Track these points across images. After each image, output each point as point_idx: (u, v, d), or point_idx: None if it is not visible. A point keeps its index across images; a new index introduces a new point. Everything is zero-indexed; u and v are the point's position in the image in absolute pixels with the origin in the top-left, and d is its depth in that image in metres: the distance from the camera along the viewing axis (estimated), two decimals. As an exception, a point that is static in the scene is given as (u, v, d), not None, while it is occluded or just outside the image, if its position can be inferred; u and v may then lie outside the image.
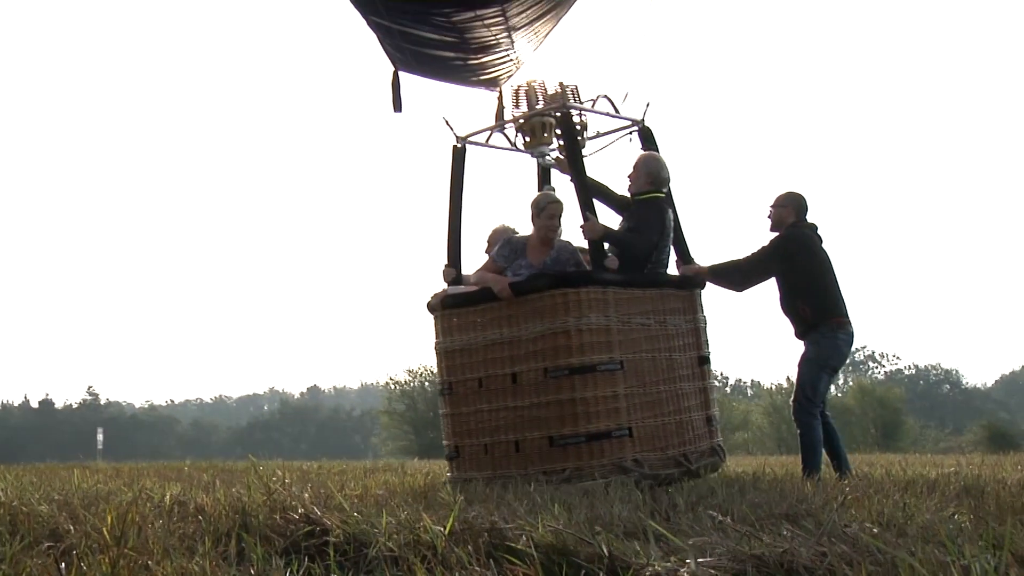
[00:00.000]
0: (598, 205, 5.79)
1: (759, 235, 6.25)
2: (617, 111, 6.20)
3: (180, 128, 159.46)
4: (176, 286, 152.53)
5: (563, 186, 6.07)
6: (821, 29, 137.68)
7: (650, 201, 5.79)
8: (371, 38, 5.86)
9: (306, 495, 3.59)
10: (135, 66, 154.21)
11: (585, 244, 5.68)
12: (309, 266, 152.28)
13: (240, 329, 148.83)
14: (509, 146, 6.33)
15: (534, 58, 6.45)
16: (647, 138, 6.21)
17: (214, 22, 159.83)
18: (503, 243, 5.84)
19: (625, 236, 5.67)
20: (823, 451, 6.08)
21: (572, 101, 5.97)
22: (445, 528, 2.72)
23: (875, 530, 2.72)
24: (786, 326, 6.23)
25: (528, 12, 5.88)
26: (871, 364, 77.56)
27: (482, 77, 6.30)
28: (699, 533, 2.76)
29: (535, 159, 6.35)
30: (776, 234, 6.16)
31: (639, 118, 6.23)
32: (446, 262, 6.12)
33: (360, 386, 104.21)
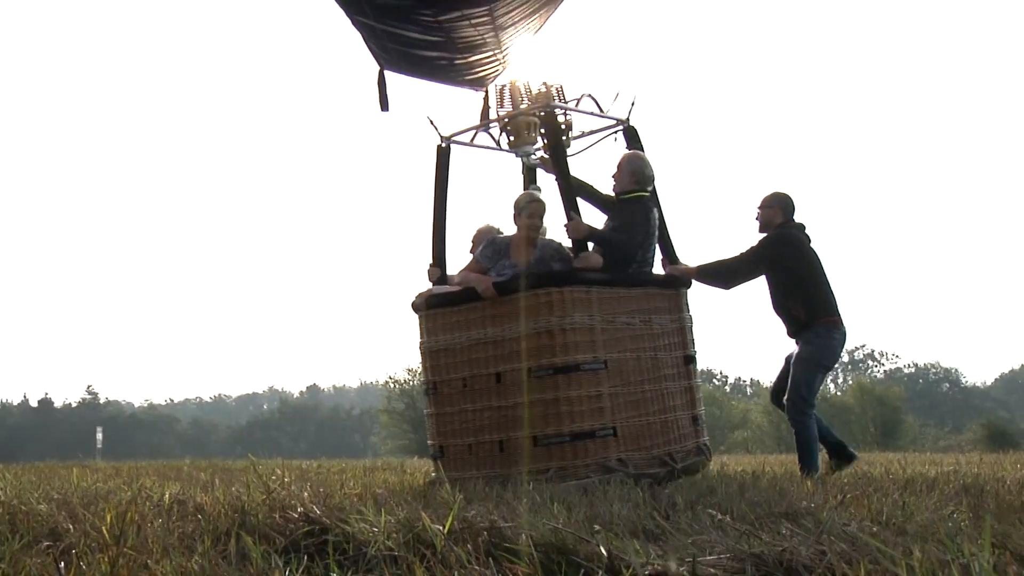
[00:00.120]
0: (584, 205, 5.79)
1: (746, 233, 6.31)
2: (601, 110, 6.20)
3: (177, 128, 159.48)
4: (175, 285, 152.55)
5: (549, 186, 6.07)
6: (810, 24, 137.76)
7: (635, 200, 5.79)
8: (356, 37, 5.85)
9: (305, 494, 3.59)
10: (131, 67, 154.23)
11: (570, 244, 5.69)
12: (308, 265, 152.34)
13: (239, 328, 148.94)
14: (494, 146, 6.32)
15: (520, 57, 6.45)
16: (632, 137, 6.20)
17: (199, 22, 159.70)
18: (486, 244, 5.84)
19: (610, 235, 5.66)
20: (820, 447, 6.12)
21: (556, 100, 5.96)
22: (444, 527, 2.72)
23: (874, 529, 2.72)
24: (781, 327, 6.25)
25: (515, 12, 5.87)
26: (870, 363, 77.67)
27: (468, 77, 6.30)
28: (698, 532, 2.76)
29: (520, 159, 6.34)
30: (765, 235, 6.19)
31: (624, 117, 6.24)
32: (431, 262, 6.14)
33: (360, 385, 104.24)
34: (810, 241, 6.20)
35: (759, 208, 6.26)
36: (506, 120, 6.11)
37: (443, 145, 6.24)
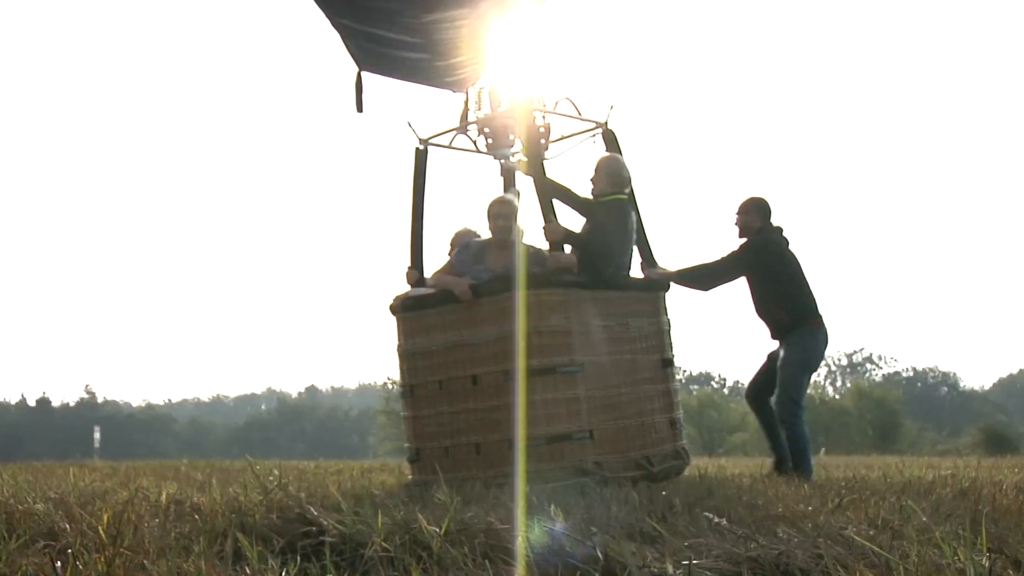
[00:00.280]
0: (561, 208, 5.80)
1: (724, 235, 6.37)
2: (580, 113, 6.21)
3: (174, 128, 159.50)
4: (174, 286, 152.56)
5: (529, 188, 6.08)
6: (793, 23, 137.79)
7: (612, 203, 5.81)
8: (335, 38, 5.84)
9: (303, 495, 3.59)
10: (130, 68, 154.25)
11: (547, 247, 5.69)
12: (307, 266, 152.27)
13: (238, 329, 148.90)
14: (472, 148, 6.32)
15: (502, 60, 6.45)
16: (610, 140, 6.22)
17: (174, 23, 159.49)
18: (461, 248, 5.85)
19: (587, 238, 5.67)
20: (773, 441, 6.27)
21: (534, 103, 5.98)
22: (441, 529, 2.72)
23: (871, 532, 2.72)
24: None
25: (498, 14, 5.85)
26: (869, 366, 77.66)
27: (448, 79, 6.29)
28: (695, 535, 2.76)
29: (498, 162, 6.34)
30: (745, 240, 6.25)
31: (602, 120, 6.25)
32: (410, 264, 6.15)
33: (358, 386, 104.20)
34: (788, 244, 6.27)
35: (737, 214, 6.32)
36: (483, 122, 6.12)
37: (421, 148, 6.25)
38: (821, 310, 6.22)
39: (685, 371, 71.21)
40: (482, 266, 5.67)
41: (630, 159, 6.03)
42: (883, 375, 76.17)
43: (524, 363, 5.18)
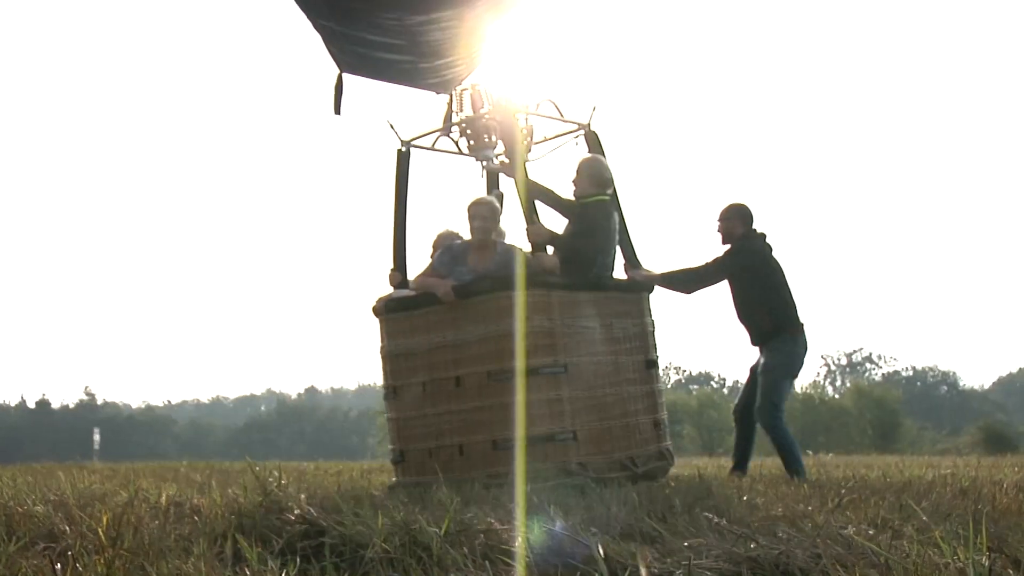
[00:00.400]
0: (544, 209, 5.80)
1: (707, 235, 6.41)
2: (562, 115, 6.22)
3: (173, 128, 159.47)
4: (173, 287, 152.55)
5: (511, 190, 6.08)
6: (778, 23, 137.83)
7: (595, 204, 5.82)
8: (316, 39, 5.83)
9: (303, 496, 3.59)
10: (131, 68, 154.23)
11: (530, 249, 5.69)
12: (307, 267, 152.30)
13: (237, 330, 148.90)
14: (454, 150, 6.32)
15: (486, 62, 6.46)
16: (593, 142, 6.22)
17: (152, 27, 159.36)
18: (443, 250, 5.85)
19: (570, 239, 5.68)
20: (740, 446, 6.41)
21: (517, 105, 5.98)
22: (441, 529, 2.72)
23: (871, 532, 2.72)
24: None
25: (484, 16, 5.85)
26: (868, 366, 77.65)
27: (432, 80, 6.29)
28: (695, 535, 2.77)
29: (480, 163, 6.34)
30: (729, 246, 6.29)
31: (585, 122, 6.25)
32: (392, 266, 6.14)
33: (357, 387, 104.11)
34: (772, 251, 6.32)
35: (719, 221, 6.35)
36: (465, 124, 6.11)
37: (403, 149, 6.25)
38: (803, 317, 6.27)
39: (685, 371, 71.33)
40: (464, 268, 5.68)
41: (613, 160, 6.06)
42: (883, 374, 76.18)
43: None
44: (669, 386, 66.02)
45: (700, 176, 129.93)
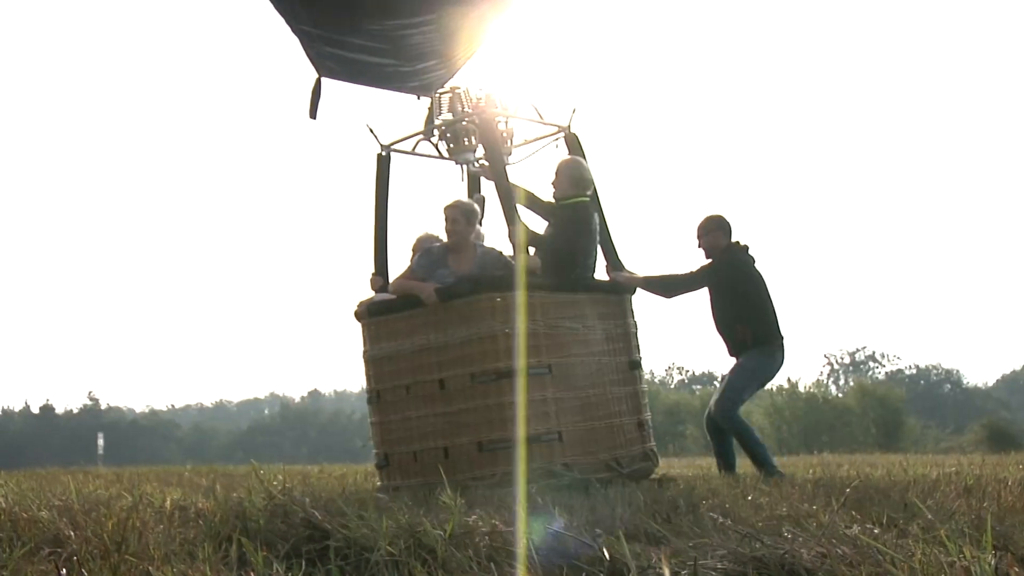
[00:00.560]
0: (525, 212, 5.81)
1: (690, 247, 6.44)
2: (542, 118, 6.23)
3: (172, 128, 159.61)
4: (176, 291, 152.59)
5: (493, 193, 6.09)
6: (762, 25, 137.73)
7: (575, 205, 5.84)
8: (295, 43, 5.82)
9: (307, 499, 3.59)
10: (133, 69, 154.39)
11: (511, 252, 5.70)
12: (309, 270, 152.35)
13: (240, 334, 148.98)
14: (434, 154, 6.32)
15: (467, 65, 6.47)
16: (573, 144, 6.23)
17: (126, 30, 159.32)
18: (422, 253, 5.85)
19: (550, 240, 5.69)
20: (724, 452, 6.37)
21: (496, 108, 5.98)
22: (446, 532, 2.73)
23: (876, 531, 2.72)
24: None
25: (464, 20, 5.85)
26: (872, 364, 77.58)
27: (413, 84, 6.29)
28: (700, 535, 2.77)
29: (460, 166, 6.34)
30: (713, 258, 6.31)
31: (565, 124, 6.26)
32: (374, 271, 6.14)
33: (361, 390, 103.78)
34: (755, 262, 6.35)
35: (701, 236, 6.36)
36: (444, 128, 6.11)
37: (383, 153, 6.25)
38: (783, 330, 6.30)
39: (688, 371, 71.38)
40: (446, 270, 5.68)
41: (593, 162, 6.08)
42: (886, 373, 76.12)
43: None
44: (673, 386, 66.11)
45: (682, 178, 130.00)
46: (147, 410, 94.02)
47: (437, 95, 6.16)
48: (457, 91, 6.10)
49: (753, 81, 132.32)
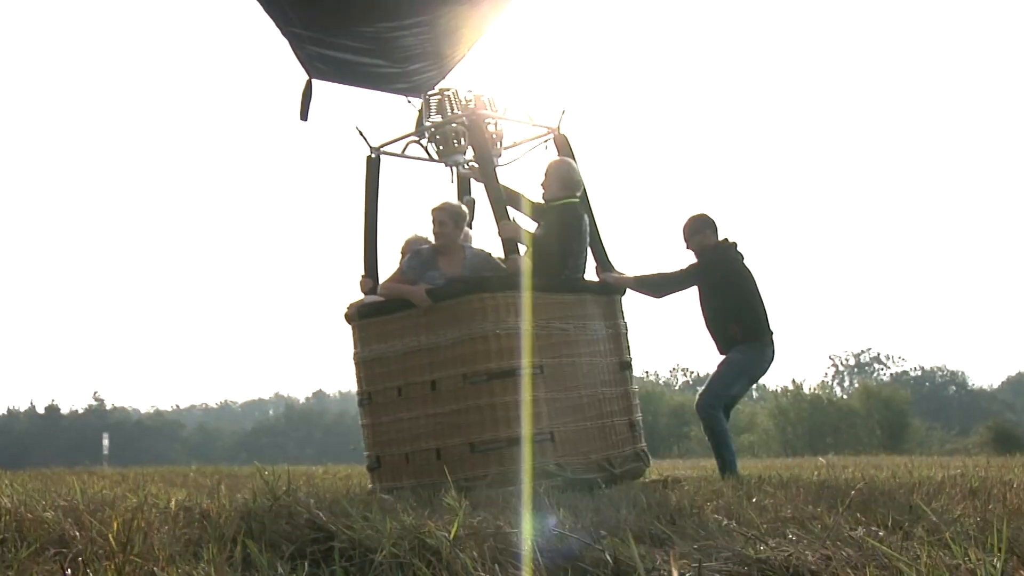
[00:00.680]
0: (515, 214, 5.81)
1: (679, 245, 6.45)
2: (531, 119, 6.24)
3: (171, 129, 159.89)
4: (181, 292, 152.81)
5: (483, 195, 6.09)
6: (752, 25, 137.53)
7: (565, 206, 5.84)
8: (285, 45, 5.82)
9: (312, 500, 3.59)
10: (134, 70, 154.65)
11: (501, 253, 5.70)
12: (313, 271, 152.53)
13: (245, 334, 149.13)
14: (424, 156, 6.32)
15: (459, 67, 6.47)
16: (563, 145, 6.23)
17: (114, 32, 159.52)
18: (411, 255, 5.84)
19: (540, 241, 5.70)
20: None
21: (486, 109, 5.98)
22: (450, 533, 2.73)
23: (880, 534, 2.72)
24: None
25: (455, 22, 5.86)
26: (876, 366, 77.48)
27: (403, 85, 6.29)
28: (704, 537, 2.76)
29: (449, 168, 6.34)
30: (703, 256, 6.32)
31: (554, 125, 6.26)
32: (363, 273, 6.14)
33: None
34: (743, 259, 6.36)
35: (689, 237, 6.36)
36: (433, 129, 6.12)
37: (372, 156, 6.25)
38: (773, 326, 6.30)
39: (693, 372, 71.25)
40: (436, 272, 5.69)
41: (583, 164, 6.08)
42: (891, 375, 76.01)
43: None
44: (677, 388, 66.03)
45: (673, 179, 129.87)
46: (152, 410, 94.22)
47: (427, 97, 6.16)
48: (447, 93, 6.10)
49: (753, 81, 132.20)
